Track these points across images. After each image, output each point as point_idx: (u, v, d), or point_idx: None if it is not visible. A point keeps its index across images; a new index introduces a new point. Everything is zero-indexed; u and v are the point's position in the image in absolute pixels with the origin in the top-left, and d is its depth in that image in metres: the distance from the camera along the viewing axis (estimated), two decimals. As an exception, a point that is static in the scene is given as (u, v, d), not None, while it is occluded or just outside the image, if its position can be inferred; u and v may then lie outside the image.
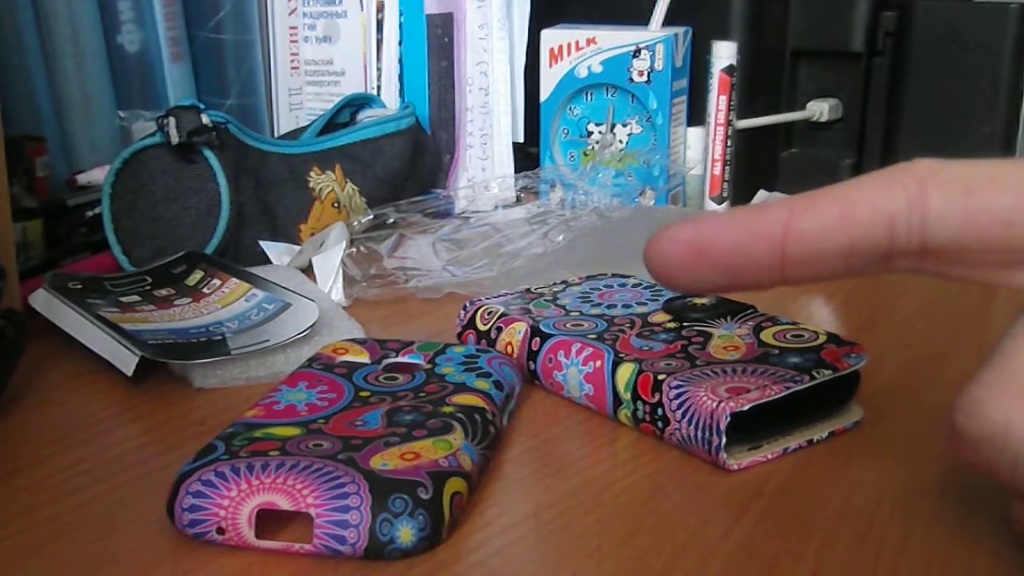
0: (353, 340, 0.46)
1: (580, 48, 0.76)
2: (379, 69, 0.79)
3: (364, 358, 0.44)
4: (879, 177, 0.28)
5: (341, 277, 0.58)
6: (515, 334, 0.46)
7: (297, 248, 0.63)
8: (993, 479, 0.29)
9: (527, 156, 0.81)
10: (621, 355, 0.42)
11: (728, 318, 0.46)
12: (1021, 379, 0.27)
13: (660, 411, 0.39)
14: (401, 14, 0.77)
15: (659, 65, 0.74)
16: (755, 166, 0.81)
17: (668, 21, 0.76)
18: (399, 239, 0.63)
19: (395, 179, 0.72)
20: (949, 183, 0.27)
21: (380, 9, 0.78)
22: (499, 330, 0.47)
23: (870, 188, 0.28)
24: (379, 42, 0.78)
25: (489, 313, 0.48)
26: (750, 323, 0.45)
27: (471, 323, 0.49)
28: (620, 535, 0.34)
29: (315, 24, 0.80)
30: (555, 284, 0.52)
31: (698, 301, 0.48)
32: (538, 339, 0.45)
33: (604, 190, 0.71)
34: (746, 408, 0.37)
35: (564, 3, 0.83)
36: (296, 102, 0.81)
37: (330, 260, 0.58)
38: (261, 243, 0.63)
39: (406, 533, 0.32)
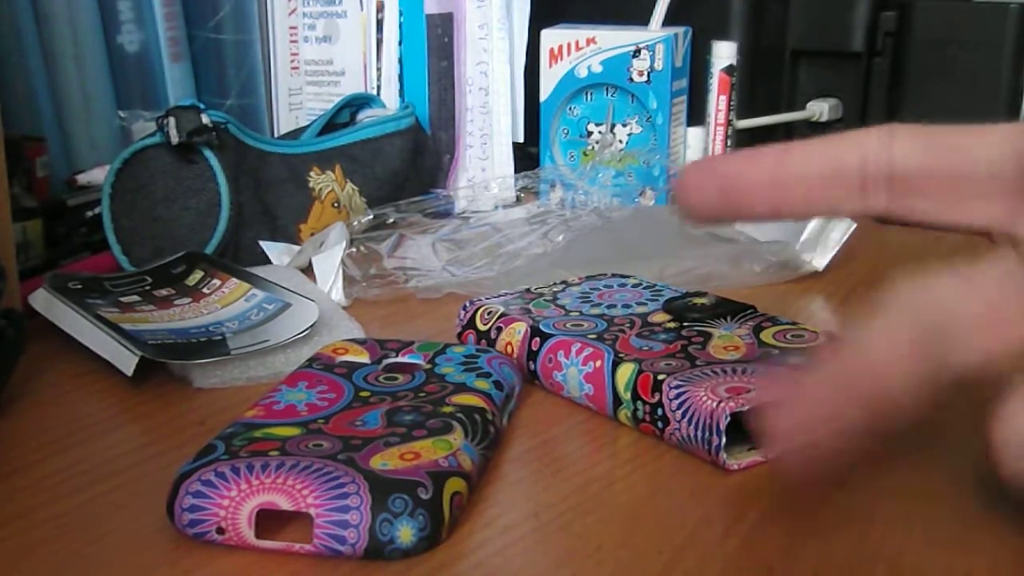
0: (353, 340, 0.46)
1: (580, 48, 0.76)
2: (379, 69, 0.79)
3: (364, 358, 0.44)
4: (859, 129, 0.32)
5: (341, 277, 0.58)
6: (515, 334, 0.46)
7: (297, 248, 0.63)
8: None
9: (527, 156, 0.81)
10: (621, 355, 0.42)
11: (728, 318, 0.46)
12: None
13: (660, 411, 0.39)
14: (401, 14, 0.77)
15: (659, 65, 0.74)
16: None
17: (668, 21, 0.76)
18: (399, 239, 0.63)
19: (395, 179, 0.72)
20: (914, 128, 0.31)
21: (380, 9, 0.78)
22: (499, 330, 0.47)
23: (850, 133, 0.32)
24: (379, 42, 0.78)
25: (489, 313, 0.48)
26: (750, 323, 0.45)
27: (471, 323, 0.49)
28: (620, 535, 0.34)
29: (315, 24, 0.80)
30: (555, 284, 0.52)
31: (698, 301, 0.48)
32: (538, 339, 0.45)
33: (604, 190, 0.71)
34: (746, 408, 0.37)
35: (564, 3, 0.83)
36: (296, 102, 0.81)
37: (330, 260, 0.58)
38: (261, 243, 0.63)
39: (406, 533, 0.32)
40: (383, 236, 0.62)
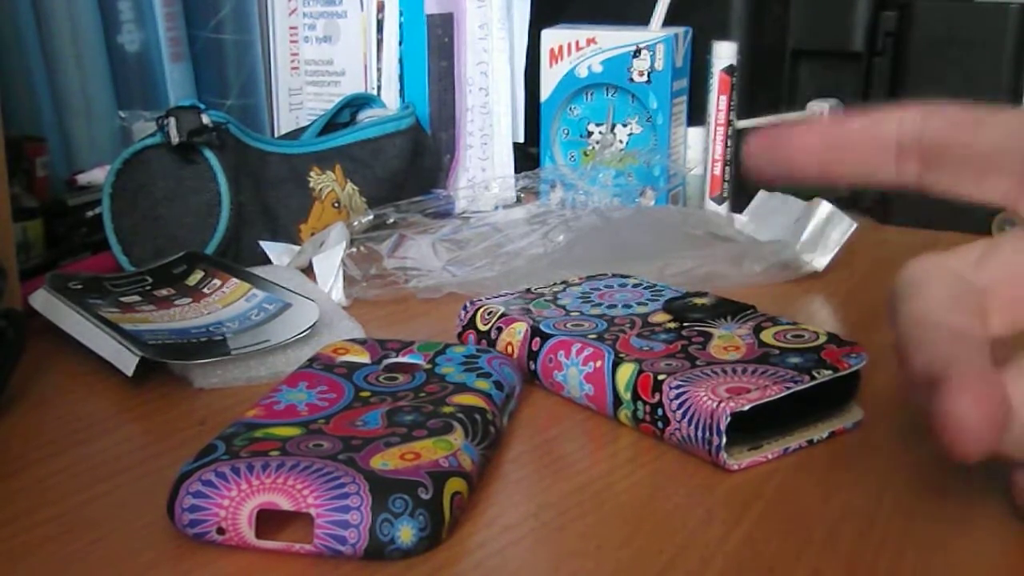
0: (353, 340, 0.46)
1: (580, 48, 0.76)
2: (379, 69, 0.79)
3: (364, 358, 0.44)
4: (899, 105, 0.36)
5: (341, 277, 0.58)
6: (515, 334, 0.46)
7: (297, 248, 0.63)
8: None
9: (527, 156, 0.81)
10: (621, 355, 0.42)
11: (728, 318, 0.46)
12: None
13: (660, 411, 0.39)
14: (401, 14, 0.77)
15: (659, 65, 0.74)
16: (755, 166, 0.81)
17: (668, 21, 0.76)
18: (399, 239, 0.63)
19: (395, 179, 0.72)
20: (947, 106, 0.35)
21: (380, 9, 0.78)
22: (499, 330, 0.47)
23: (891, 108, 0.36)
24: (379, 42, 0.78)
25: (489, 313, 0.48)
26: (750, 323, 0.45)
27: (471, 323, 0.49)
28: (620, 535, 0.34)
29: (315, 24, 0.80)
30: (555, 284, 0.52)
31: (698, 301, 0.48)
32: (538, 339, 0.45)
33: (604, 190, 0.71)
34: (746, 408, 0.37)
35: (564, 3, 0.83)
36: (296, 102, 0.81)
37: (330, 260, 0.58)
38: (261, 243, 0.63)
39: (406, 533, 0.32)
40: (383, 236, 0.62)
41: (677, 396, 0.39)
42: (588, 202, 0.70)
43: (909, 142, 0.35)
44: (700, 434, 0.38)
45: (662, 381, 0.39)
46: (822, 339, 0.43)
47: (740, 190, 0.78)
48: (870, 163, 0.35)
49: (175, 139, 0.60)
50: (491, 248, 0.62)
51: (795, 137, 0.37)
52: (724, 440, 0.37)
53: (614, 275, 0.53)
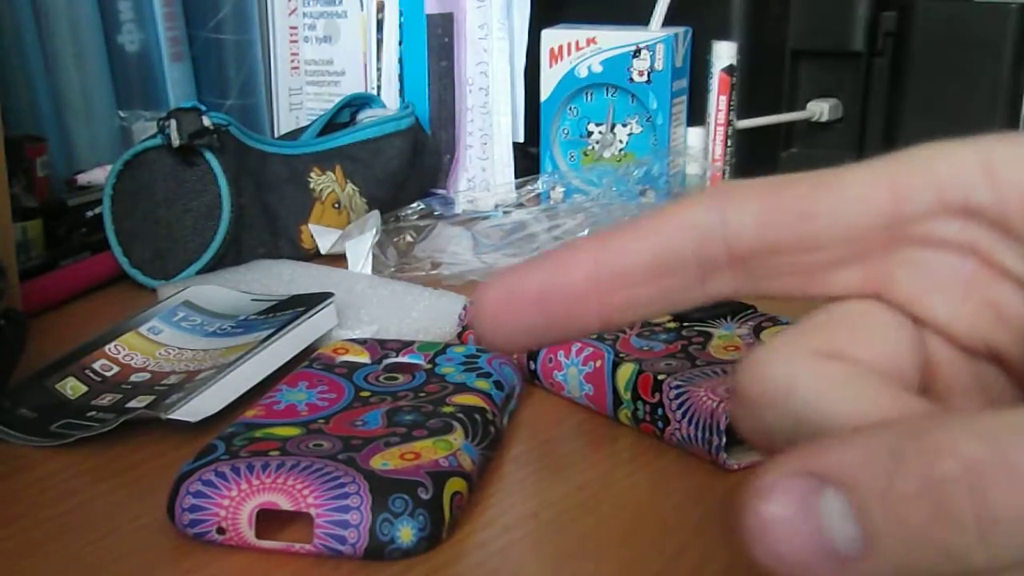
0: (353, 340, 0.46)
1: (580, 48, 0.76)
2: (379, 69, 0.79)
3: (364, 358, 0.44)
4: (686, 196, 0.26)
5: (371, 260, 0.60)
6: (515, 334, 0.46)
7: (339, 232, 0.65)
8: (765, 448, 0.24)
9: (527, 156, 0.81)
10: (621, 355, 0.42)
11: (728, 318, 0.46)
12: (811, 341, 0.24)
13: (660, 411, 0.39)
14: (401, 14, 0.77)
15: (659, 65, 0.74)
16: (755, 166, 0.81)
17: (668, 21, 0.76)
18: (434, 228, 0.65)
19: (395, 179, 0.72)
20: (748, 188, 0.25)
21: (380, 9, 0.78)
22: (499, 330, 0.47)
23: (675, 205, 0.25)
24: (379, 42, 0.78)
25: (489, 313, 0.48)
26: (750, 323, 0.45)
27: (471, 323, 0.49)
28: (620, 535, 0.34)
29: (315, 24, 0.80)
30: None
31: (698, 301, 0.48)
32: (538, 339, 0.45)
33: (606, 188, 0.72)
34: (746, 408, 0.37)
35: (564, 3, 0.83)
36: (296, 102, 0.81)
37: (361, 245, 0.61)
38: (310, 226, 0.65)
39: (406, 533, 0.32)
40: (421, 226, 0.65)
41: (677, 396, 0.39)
42: (607, 200, 0.70)
43: (710, 255, 0.25)
44: (700, 434, 0.38)
45: (662, 381, 0.39)
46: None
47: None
48: (665, 294, 0.25)
49: (176, 141, 0.60)
50: (518, 241, 0.63)
51: (551, 284, 0.25)
52: (724, 440, 0.37)
53: (614, 275, 0.53)
